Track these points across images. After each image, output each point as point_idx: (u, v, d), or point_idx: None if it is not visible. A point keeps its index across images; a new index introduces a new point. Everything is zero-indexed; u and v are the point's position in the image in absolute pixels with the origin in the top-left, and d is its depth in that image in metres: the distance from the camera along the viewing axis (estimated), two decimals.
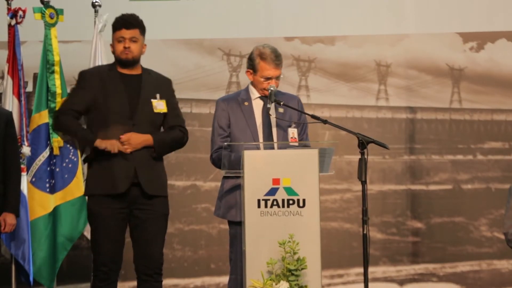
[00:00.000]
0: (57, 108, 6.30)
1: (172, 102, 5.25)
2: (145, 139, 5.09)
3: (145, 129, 5.09)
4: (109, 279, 5.10)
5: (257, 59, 5.32)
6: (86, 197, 5.31)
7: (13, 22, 6.28)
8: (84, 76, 5.21)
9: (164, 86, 5.25)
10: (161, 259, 5.16)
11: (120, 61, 5.17)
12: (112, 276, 5.11)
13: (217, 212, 5.38)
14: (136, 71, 5.18)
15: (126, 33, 5.13)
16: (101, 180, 5.08)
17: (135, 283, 5.25)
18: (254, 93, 5.39)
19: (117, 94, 5.08)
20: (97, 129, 5.11)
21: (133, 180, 5.07)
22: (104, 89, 5.10)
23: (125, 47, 5.12)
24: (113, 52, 5.20)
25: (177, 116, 5.28)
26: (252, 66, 5.35)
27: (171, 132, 5.22)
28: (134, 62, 5.17)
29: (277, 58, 5.31)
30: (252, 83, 5.40)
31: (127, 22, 5.16)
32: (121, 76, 5.16)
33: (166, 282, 6.87)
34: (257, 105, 5.37)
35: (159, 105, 5.16)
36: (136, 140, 5.06)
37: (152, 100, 5.14)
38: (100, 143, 5.03)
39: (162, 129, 5.27)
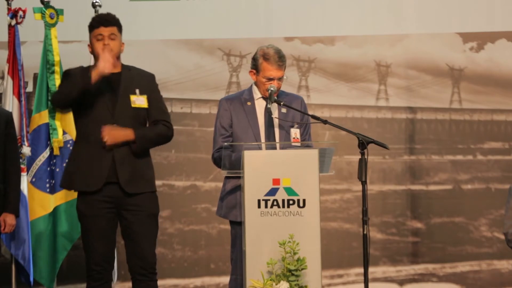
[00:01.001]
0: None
1: (155, 97, 5.18)
2: (126, 133, 5.03)
3: (127, 126, 5.06)
4: (102, 278, 5.08)
5: (260, 59, 5.32)
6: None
7: (13, 22, 6.29)
8: (70, 73, 5.17)
9: (144, 81, 5.17)
10: (154, 259, 5.13)
11: None
12: (106, 275, 5.10)
13: (219, 212, 5.38)
14: (116, 69, 5.13)
15: (104, 30, 5.10)
16: (77, 176, 5.06)
17: None
18: (257, 93, 5.40)
19: (98, 93, 5.05)
20: (80, 129, 5.12)
21: (112, 180, 5.03)
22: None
23: (104, 44, 5.10)
24: (92, 52, 5.15)
25: (161, 111, 5.20)
26: (255, 66, 5.35)
27: (155, 127, 5.15)
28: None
29: (280, 59, 5.31)
30: (256, 83, 5.40)
31: (105, 20, 5.14)
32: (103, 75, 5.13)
33: (166, 282, 6.89)
34: (260, 105, 5.37)
35: (138, 100, 5.11)
36: (117, 133, 5.02)
37: (130, 95, 5.09)
38: (96, 74, 4.97)
39: (147, 125, 5.24)
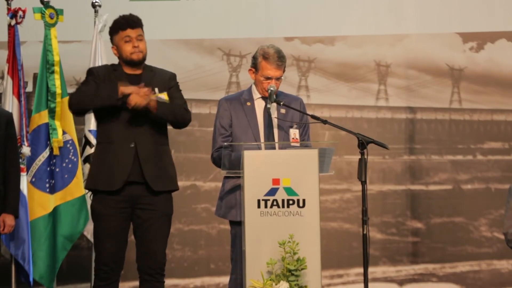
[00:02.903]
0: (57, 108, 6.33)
1: (174, 91, 5.17)
2: (152, 100, 4.99)
3: (148, 126, 5.06)
4: (110, 278, 5.08)
5: (259, 58, 5.33)
6: (90, 196, 5.27)
7: (13, 22, 6.28)
8: (93, 71, 5.17)
9: (164, 80, 5.17)
10: (164, 259, 5.14)
11: (130, 62, 5.10)
12: (113, 275, 5.09)
13: (218, 212, 5.38)
14: (138, 70, 5.15)
15: (132, 32, 5.09)
16: (101, 176, 5.06)
17: (135, 283, 5.25)
18: (257, 93, 5.40)
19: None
20: (102, 130, 5.11)
21: (135, 179, 5.04)
22: None
23: (134, 47, 5.08)
24: (119, 54, 5.12)
25: (177, 99, 5.16)
26: (254, 65, 5.37)
27: (175, 104, 5.10)
28: (144, 60, 5.14)
29: (279, 59, 5.31)
30: (255, 83, 5.40)
31: (131, 21, 5.13)
32: (126, 76, 5.11)
33: (166, 282, 6.88)
34: (259, 105, 5.38)
35: (159, 99, 5.11)
36: (142, 98, 4.97)
37: (150, 95, 5.09)
38: (125, 89, 4.94)
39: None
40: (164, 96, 5.09)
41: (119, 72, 5.13)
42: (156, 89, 5.10)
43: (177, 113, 5.12)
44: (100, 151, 5.13)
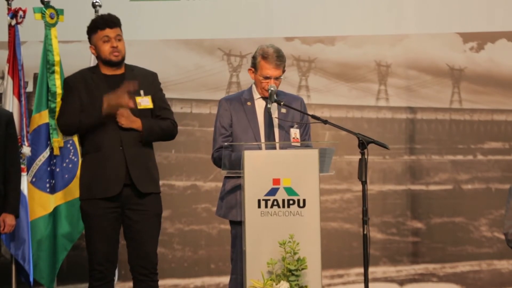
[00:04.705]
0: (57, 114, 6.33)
1: (158, 95, 5.18)
2: (137, 124, 5.03)
3: (132, 129, 5.07)
4: (105, 278, 5.08)
5: (259, 57, 5.33)
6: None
7: (13, 22, 6.29)
8: (69, 82, 5.16)
9: (148, 81, 5.16)
10: (156, 259, 5.14)
11: (109, 63, 5.09)
12: (108, 275, 5.10)
13: (218, 212, 5.38)
14: (120, 71, 5.13)
15: (110, 32, 5.08)
16: (94, 184, 5.05)
17: None
18: (257, 93, 5.40)
19: (103, 97, 5.04)
20: (88, 137, 5.11)
21: (125, 181, 5.04)
22: (90, 93, 5.05)
23: (113, 47, 5.07)
24: (97, 54, 5.13)
25: (166, 109, 5.20)
26: (253, 65, 5.37)
27: (161, 122, 5.13)
28: (122, 61, 5.14)
29: (278, 59, 5.31)
30: (255, 83, 5.40)
31: (110, 21, 5.10)
32: (105, 78, 5.10)
33: (166, 282, 6.89)
34: (260, 105, 5.38)
35: (144, 101, 5.10)
36: (131, 119, 5.01)
37: (136, 97, 5.06)
38: (107, 108, 4.98)
39: None
40: (148, 99, 5.10)
41: (98, 75, 5.12)
42: (142, 92, 5.10)
43: (163, 135, 5.18)
44: (90, 161, 5.10)
